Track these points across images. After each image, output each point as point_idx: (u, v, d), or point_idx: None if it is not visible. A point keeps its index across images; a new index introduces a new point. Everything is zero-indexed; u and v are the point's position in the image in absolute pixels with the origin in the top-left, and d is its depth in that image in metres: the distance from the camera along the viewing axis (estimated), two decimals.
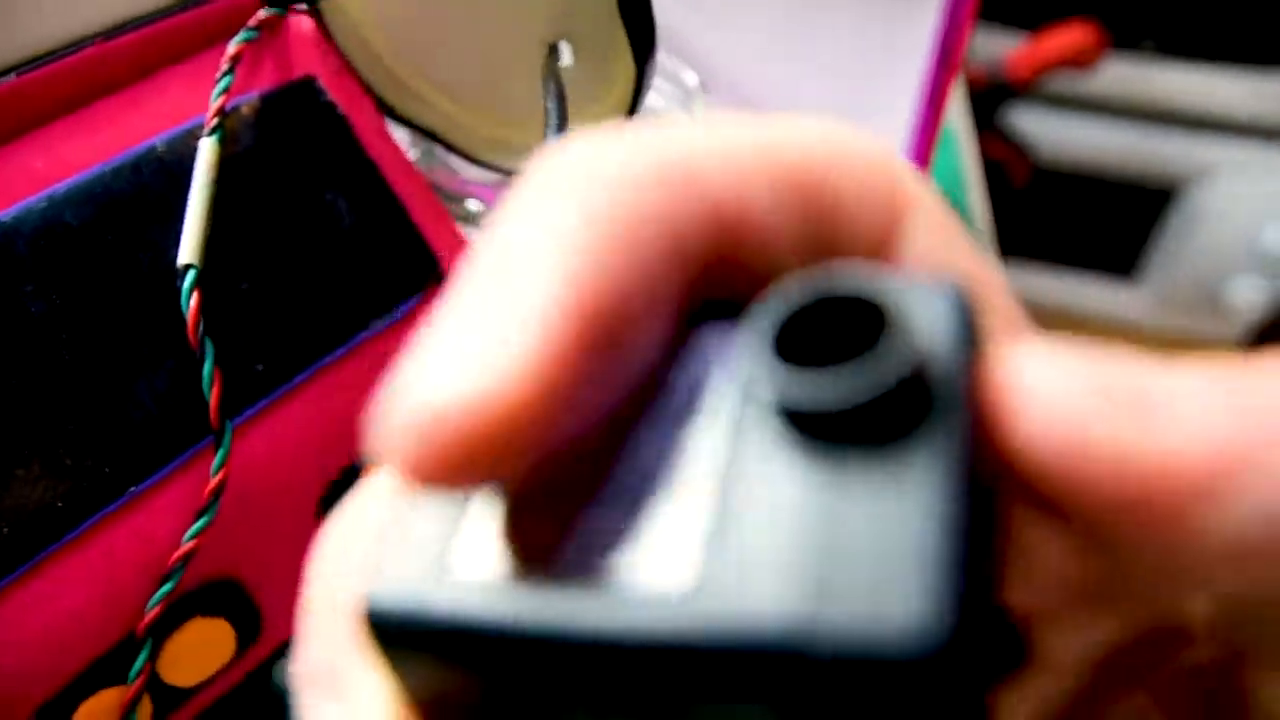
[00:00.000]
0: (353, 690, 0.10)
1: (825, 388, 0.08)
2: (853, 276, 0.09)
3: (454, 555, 0.09)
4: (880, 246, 0.11)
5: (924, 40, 0.35)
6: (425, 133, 0.30)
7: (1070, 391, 0.09)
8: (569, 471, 0.09)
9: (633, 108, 0.26)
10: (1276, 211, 0.98)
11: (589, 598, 0.09)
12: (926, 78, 0.34)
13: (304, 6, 0.27)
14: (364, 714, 0.10)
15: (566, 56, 0.26)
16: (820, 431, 0.09)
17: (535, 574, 0.09)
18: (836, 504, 0.08)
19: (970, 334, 0.09)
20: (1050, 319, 1.12)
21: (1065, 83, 0.87)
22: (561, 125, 0.24)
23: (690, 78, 0.32)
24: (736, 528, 0.09)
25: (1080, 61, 0.80)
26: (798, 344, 0.09)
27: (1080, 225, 1.06)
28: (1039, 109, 0.94)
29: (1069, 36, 0.79)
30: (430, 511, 0.10)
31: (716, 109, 0.33)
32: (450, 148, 0.30)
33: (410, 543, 0.09)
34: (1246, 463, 0.08)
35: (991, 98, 0.82)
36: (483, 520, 0.09)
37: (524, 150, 0.29)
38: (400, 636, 0.09)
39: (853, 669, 0.08)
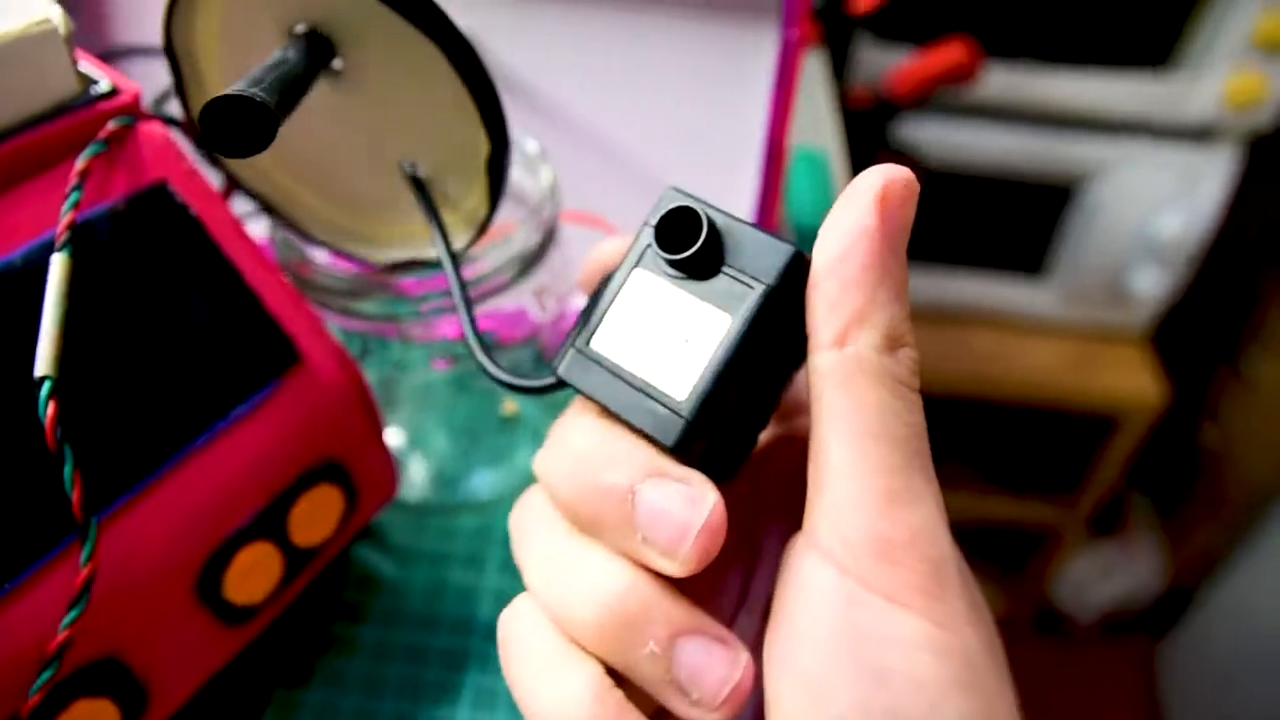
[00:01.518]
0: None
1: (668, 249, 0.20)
2: (706, 207, 0.21)
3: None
4: None
5: (761, 96, 0.37)
6: (289, 224, 0.32)
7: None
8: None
9: (490, 212, 0.29)
10: (1166, 203, 1.02)
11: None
12: (766, 130, 0.37)
13: (155, 114, 0.28)
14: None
15: (424, 170, 0.28)
16: (674, 268, 0.21)
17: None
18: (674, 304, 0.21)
19: (788, 268, 0.20)
20: (965, 318, 1.15)
21: (952, 94, 0.90)
22: (443, 232, 0.27)
23: (531, 145, 0.34)
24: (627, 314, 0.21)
25: (960, 77, 0.83)
26: (673, 224, 0.21)
27: (986, 227, 1.09)
28: (933, 119, 0.98)
29: (948, 54, 0.82)
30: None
31: (560, 168, 0.35)
32: (310, 237, 0.32)
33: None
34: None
35: (879, 115, 0.85)
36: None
37: (373, 238, 0.31)
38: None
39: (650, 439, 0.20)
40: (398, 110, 0.28)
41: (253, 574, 0.28)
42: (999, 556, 1.36)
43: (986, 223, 1.09)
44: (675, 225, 0.21)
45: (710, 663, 0.19)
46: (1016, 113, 0.99)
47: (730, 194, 0.40)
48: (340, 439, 0.29)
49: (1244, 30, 0.91)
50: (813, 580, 0.19)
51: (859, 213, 0.19)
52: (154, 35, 0.36)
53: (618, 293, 0.21)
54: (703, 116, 0.39)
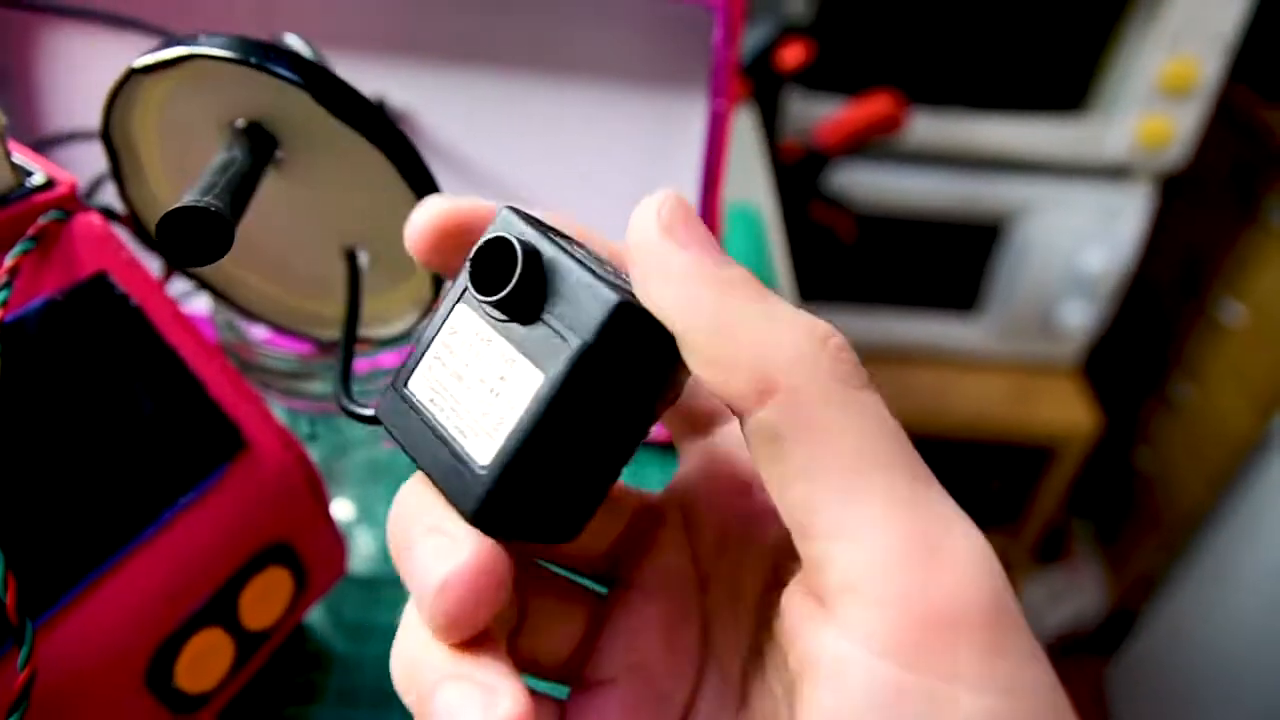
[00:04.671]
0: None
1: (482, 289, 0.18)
2: (541, 236, 0.18)
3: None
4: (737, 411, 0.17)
5: (693, 161, 0.39)
6: (233, 305, 0.32)
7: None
8: None
9: (435, 294, 0.29)
10: (1089, 239, 1.06)
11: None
12: (698, 195, 0.38)
13: (93, 205, 0.29)
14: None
15: (364, 257, 0.29)
16: (491, 308, 0.18)
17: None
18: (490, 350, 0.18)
19: (609, 322, 0.17)
20: (904, 357, 1.18)
21: (881, 142, 0.93)
22: (354, 313, 0.28)
23: None
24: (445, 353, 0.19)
25: (888, 127, 0.86)
26: (491, 257, 0.18)
27: (919, 268, 1.12)
28: (862, 166, 1.01)
29: (875, 105, 0.85)
30: None
31: None
32: (253, 316, 0.32)
33: None
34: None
35: (809, 166, 0.88)
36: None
37: (318, 317, 0.32)
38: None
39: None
40: (339, 195, 0.29)
41: (204, 661, 0.28)
42: None
43: (919, 263, 1.12)
44: (494, 258, 0.18)
45: (464, 706, 0.16)
46: (943, 157, 1.03)
47: None
48: (288, 521, 0.29)
49: (1149, 75, 0.96)
50: (844, 670, 0.15)
51: (661, 251, 0.17)
52: (86, 119, 0.36)
53: (438, 330, 0.19)
54: (636, 182, 0.40)
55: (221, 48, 0.24)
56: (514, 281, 0.17)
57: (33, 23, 0.40)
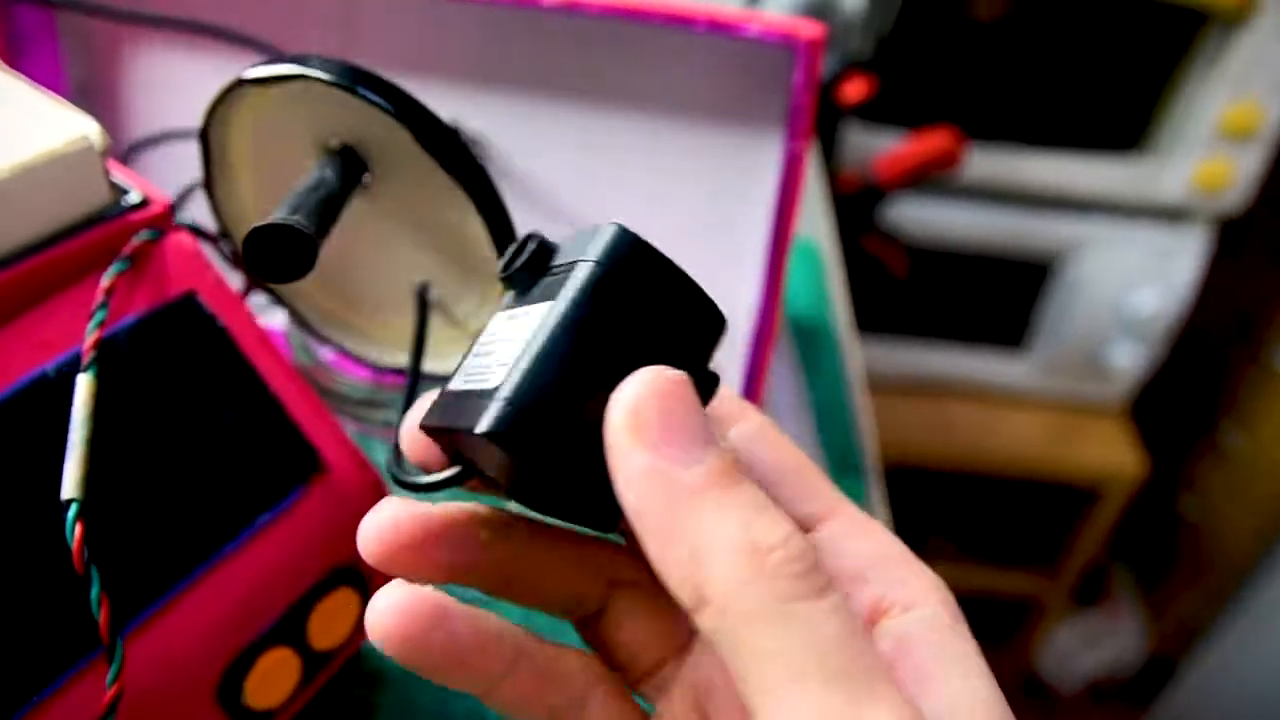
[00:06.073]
0: None
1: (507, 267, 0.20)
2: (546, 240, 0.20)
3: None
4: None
5: (765, 197, 0.39)
6: (297, 316, 0.32)
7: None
8: None
9: None
10: (1141, 280, 1.05)
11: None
12: (770, 233, 0.38)
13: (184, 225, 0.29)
14: None
15: (437, 286, 0.29)
16: (507, 286, 0.20)
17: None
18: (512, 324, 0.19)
19: (614, 242, 0.18)
20: (947, 391, 1.17)
21: (936, 177, 0.93)
22: (420, 342, 0.28)
23: None
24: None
25: (945, 163, 0.86)
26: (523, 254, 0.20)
27: (968, 303, 1.12)
28: (916, 200, 1.00)
29: (933, 141, 0.85)
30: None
31: None
32: (315, 333, 0.32)
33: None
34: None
35: (865, 200, 0.88)
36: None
37: (376, 339, 0.32)
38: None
39: (483, 439, 0.17)
40: (417, 228, 0.29)
41: (272, 679, 0.28)
42: (983, 628, 1.35)
43: (968, 298, 1.11)
44: (516, 250, 0.20)
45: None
46: (997, 193, 1.02)
47: (735, 289, 0.41)
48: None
49: (1211, 117, 0.95)
50: None
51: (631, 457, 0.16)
52: (166, 122, 0.37)
53: (475, 340, 0.20)
54: (706, 218, 0.40)
55: (332, 73, 0.25)
56: (523, 252, 0.19)
57: (115, 34, 0.41)
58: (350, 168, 0.27)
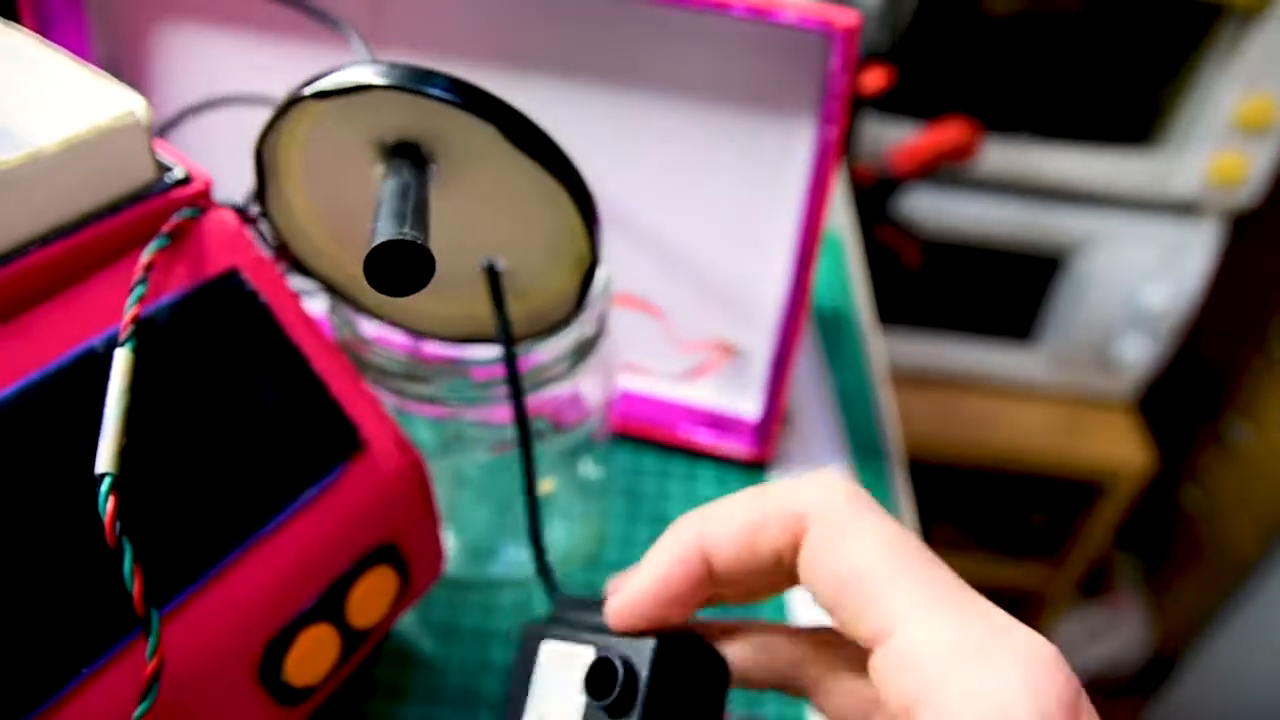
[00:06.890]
0: None
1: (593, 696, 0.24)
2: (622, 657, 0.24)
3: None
4: (791, 550, 0.23)
5: (796, 185, 0.39)
6: (344, 297, 0.32)
7: None
8: None
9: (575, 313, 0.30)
10: (1151, 274, 1.05)
11: None
12: (801, 221, 0.38)
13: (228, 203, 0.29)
14: None
15: (500, 264, 0.29)
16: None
17: None
18: None
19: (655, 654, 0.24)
20: (956, 383, 1.17)
21: (949, 168, 0.93)
22: (505, 323, 0.28)
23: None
24: None
25: (959, 155, 0.86)
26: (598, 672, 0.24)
27: (978, 295, 1.12)
28: (928, 191, 1.00)
29: (949, 132, 0.85)
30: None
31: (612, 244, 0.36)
32: (363, 308, 0.32)
33: None
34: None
35: (881, 191, 0.88)
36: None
37: (429, 314, 0.32)
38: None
39: None
40: (484, 210, 0.29)
41: (312, 656, 0.28)
42: None
43: (978, 290, 1.11)
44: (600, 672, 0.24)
45: None
46: (1009, 186, 1.02)
47: (764, 279, 0.41)
48: (399, 522, 0.30)
49: (1224, 111, 0.95)
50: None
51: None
52: (195, 98, 0.37)
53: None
54: (737, 203, 0.40)
55: (402, 80, 0.25)
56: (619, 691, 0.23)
57: (142, 9, 0.41)
58: (420, 164, 0.27)
